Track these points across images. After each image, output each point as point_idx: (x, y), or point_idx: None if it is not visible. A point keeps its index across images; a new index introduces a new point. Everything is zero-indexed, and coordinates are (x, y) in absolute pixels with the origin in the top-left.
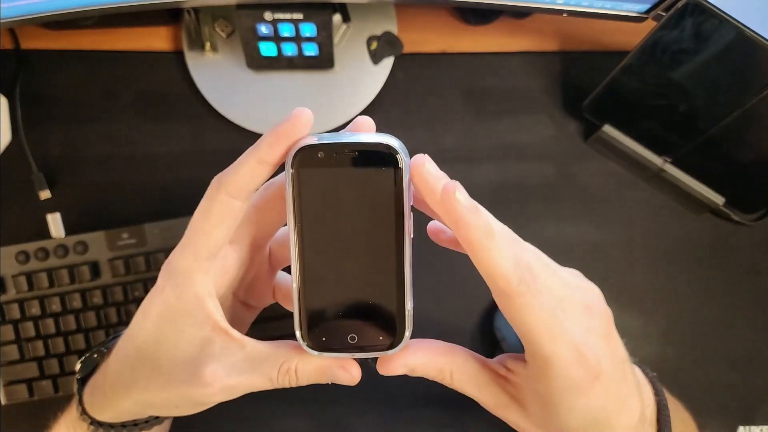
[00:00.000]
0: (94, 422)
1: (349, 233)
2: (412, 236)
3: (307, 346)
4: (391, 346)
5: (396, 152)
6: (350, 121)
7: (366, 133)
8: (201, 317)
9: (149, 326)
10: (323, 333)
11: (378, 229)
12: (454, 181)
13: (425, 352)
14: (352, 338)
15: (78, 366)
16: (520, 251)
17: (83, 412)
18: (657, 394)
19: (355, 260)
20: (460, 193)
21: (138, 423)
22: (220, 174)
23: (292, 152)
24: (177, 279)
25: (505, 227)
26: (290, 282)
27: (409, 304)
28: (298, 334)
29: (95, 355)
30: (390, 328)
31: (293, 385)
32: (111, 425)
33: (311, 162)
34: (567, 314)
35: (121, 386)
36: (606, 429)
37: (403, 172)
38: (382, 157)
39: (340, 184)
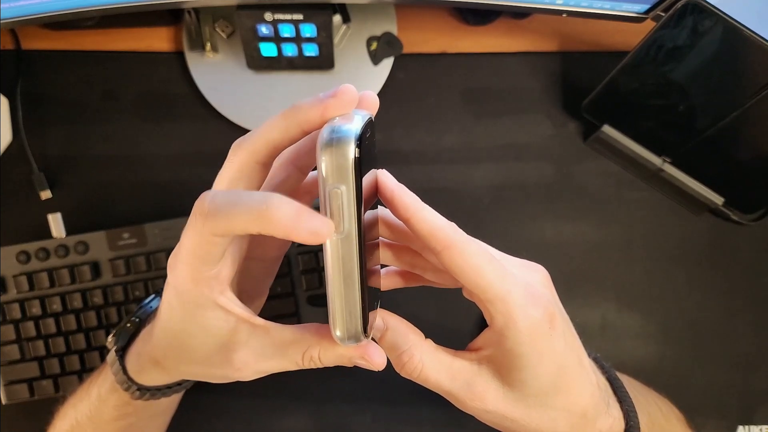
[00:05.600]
0: (141, 388)
1: (367, 211)
2: None
3: (353, 338)
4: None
5: (371, 116)
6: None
7: (356, 110)
8: (221, 314)
9: (177, 319)
10: (365, 319)
11: (371, 194)
12: (381, 170)
13: (402, 321)
14: (373, 305)
15: (111, 339)
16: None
17: (128, 379)
18: (605, 371)
19: (372, 233)
20: (390, 177)
21: (182, 384)
22: (206, 202)
23: (342, 146)
24: (186, 284)
25: None
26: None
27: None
28: (358, 333)
29: (128, 325)
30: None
31: (318, 367)
32: (158, 388)
33: (361, 150)
34: (507, 262)
35: (170, 362)
36: (567, 386)
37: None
38: (371, 127)
39: (366, 165)
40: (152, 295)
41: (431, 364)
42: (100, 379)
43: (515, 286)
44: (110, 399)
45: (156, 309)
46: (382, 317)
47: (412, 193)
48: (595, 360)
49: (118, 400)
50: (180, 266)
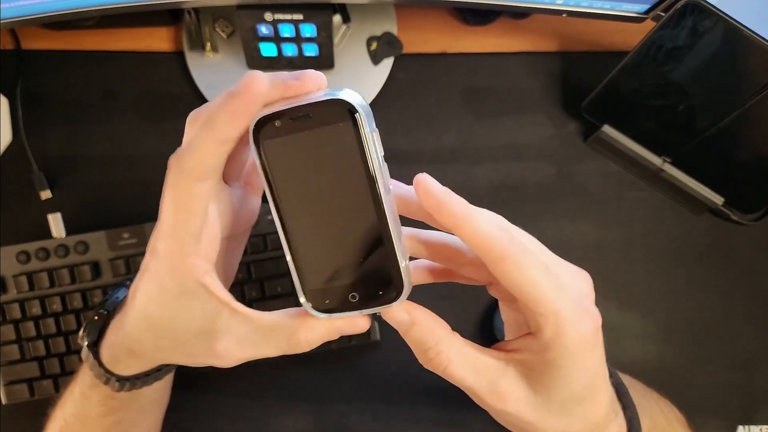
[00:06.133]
0: (120, 379)
1: (327, 195)
2: (391, 187)
3: (312, 308)
4: (396, 298)
5: (350, 105)
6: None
7: (319, 91)
8: (204, 295)
9: (157, 306)
10: (325, 296)
11: (352, 186)
12: (423, 173)
13: (429, 314)
14: (353, 297)
15: (81, 334)
16: (498, 219)
17: (106, 372)
18: (611, 375)
19: (338, 221)
20: (434, 181)
21: (161, 369)
22: (177, 156)
23: (252, 125)
24: (169, 266)
25: None
26: None
27: (400, 255)
28: (302, 299)
29: (96, 318)
30: (388, 282)
31: (304, 351)
32: (136, 377)
33: (274, 132)
34: (560, 272)
35: (146, 349)
36: (593, 396)
37: (363, 122)
38: (339, 113)
39: (306, 148)
40: (117, 287)
41: (458, 360)
42: (79, 376)
43: (569, 301)
44: (92, 395)
45: (124, 299)
46: (408, 311)
47: (460, 198)
48: None
49: (100, 395)
50: (163, 244)
